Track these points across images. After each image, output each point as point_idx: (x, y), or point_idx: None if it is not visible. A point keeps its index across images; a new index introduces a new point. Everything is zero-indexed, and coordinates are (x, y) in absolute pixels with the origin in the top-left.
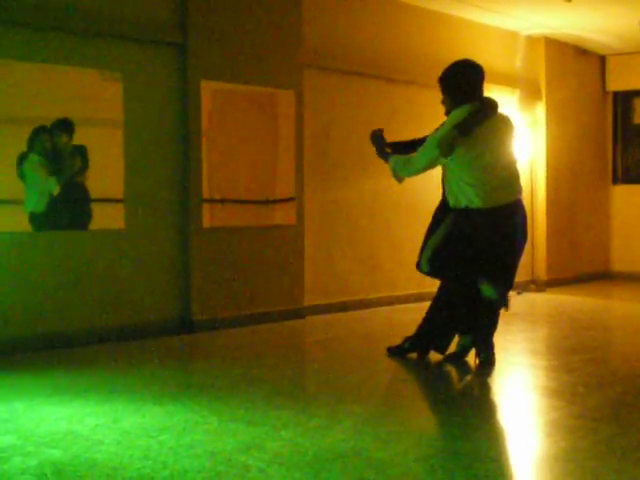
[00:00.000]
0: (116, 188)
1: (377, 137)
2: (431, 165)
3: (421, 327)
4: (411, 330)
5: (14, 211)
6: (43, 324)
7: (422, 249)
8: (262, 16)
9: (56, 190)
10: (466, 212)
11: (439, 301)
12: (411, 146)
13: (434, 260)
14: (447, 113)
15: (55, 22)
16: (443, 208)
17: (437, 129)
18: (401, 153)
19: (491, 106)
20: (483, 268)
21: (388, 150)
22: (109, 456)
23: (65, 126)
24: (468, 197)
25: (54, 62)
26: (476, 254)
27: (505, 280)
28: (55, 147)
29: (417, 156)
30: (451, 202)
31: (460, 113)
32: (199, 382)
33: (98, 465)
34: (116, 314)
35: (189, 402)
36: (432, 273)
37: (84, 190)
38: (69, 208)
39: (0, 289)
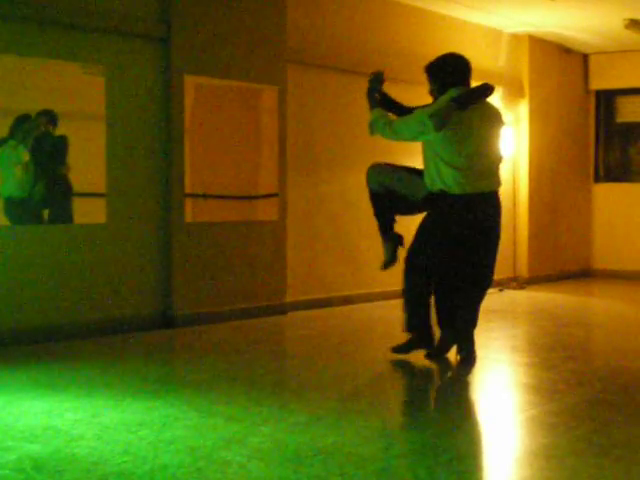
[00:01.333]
0: (98, 182)
1: (375, 78)
2: (419, 136)
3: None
4: (393, 327)
5: None
6: (23, 318)
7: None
8: (246, 11)
9: (34, 180)
10: (442, 196)
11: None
12: (405, 112)
13: (412, 256)
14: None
15: (37, 15)
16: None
17: (427, 105)
18: (390, 111)
19: (487, 88)
20: (460, 263)
21: (378, 97)
22: (89, 451)
23: (49, 116)
24: (445, 181)
25: (36, 55)
26: (451, 244)
27: (483, 280)
28: (37, 136)
29: (406, 123)
30: (427, 184)
31: (455, 91)
32: (180, 377)
33: (78, 460)
34: (97, 309)
35: (169, 397)
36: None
37: (66, 183)
38: (50, 201)
39: None
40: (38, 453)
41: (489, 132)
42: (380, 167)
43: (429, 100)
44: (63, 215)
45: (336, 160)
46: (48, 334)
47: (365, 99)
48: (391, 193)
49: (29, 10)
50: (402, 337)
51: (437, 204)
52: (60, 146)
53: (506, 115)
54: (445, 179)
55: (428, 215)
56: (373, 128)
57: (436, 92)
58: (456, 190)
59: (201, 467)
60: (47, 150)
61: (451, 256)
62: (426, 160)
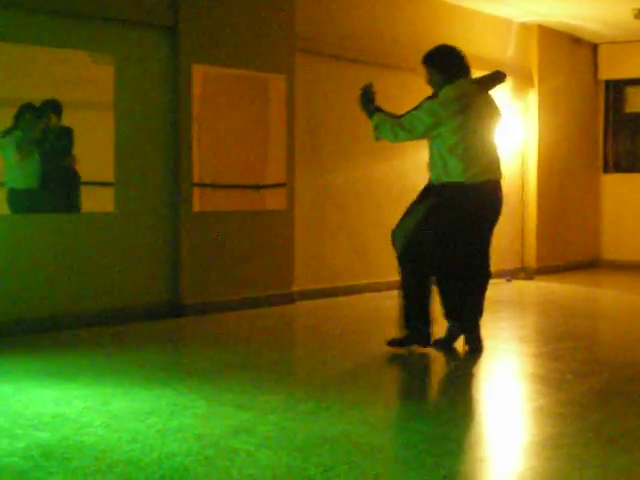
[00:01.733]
0: (106, 171)
1: (367, 91)
2: (433, 128)
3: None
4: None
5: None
6: (31, 307)
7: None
8: (255, 0)
9: (39, 169)
10: (448, 187)
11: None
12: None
13: (409, 245)
14: (436, 93)
15: (45, 3)
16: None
17: (427, 100)
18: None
19: (502, 75)
20: (464, 253)
21: (373, 106)
22: (97, 439)
23: (53, 106)
24: (452, 173)
25: (44, 44)
26: (456, 234)
27: (487, 267)
28: (41, 126)
29: (417, 117)
30: (433, 178)
31: (460, 84)
32: (188, 366)
33: (86, 447)
34: (106, 297)
35: (178, 386)
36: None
37: (72, 173)
38: (56, 191)
39: None
40: (46, 441)
41: (493, 122)
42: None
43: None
44: (71, 205)
45: (344, 150)
46: (56, 322)
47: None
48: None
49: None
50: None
51: (443, 195)
52: (65, 137)
53: (515, 105)
54: (452, 171)
55: (432, 207)
56: (379, 133)
57: (439, 82)
58: (464, 180)
59: (209, 455)
60: (52, 140)
61: (456, 246)
62: (433, 154)
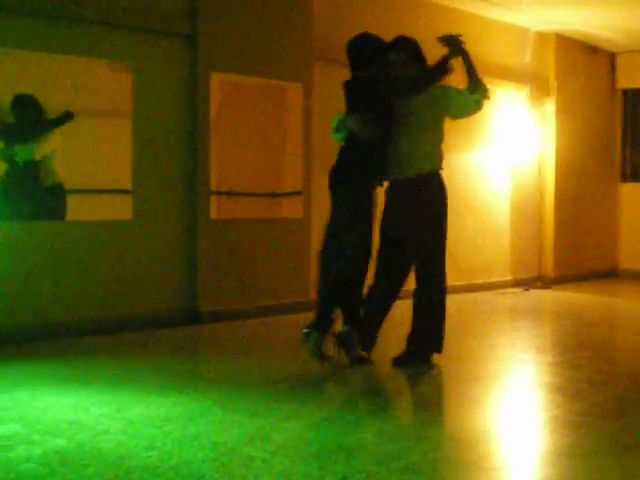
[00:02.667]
0: (124, 179)
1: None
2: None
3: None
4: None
5: None
6: (49, 313)
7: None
8: (272, 8)
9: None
10: (430, 177)
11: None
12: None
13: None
14: (418, 81)
15: (65, 12)
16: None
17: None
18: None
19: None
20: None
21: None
22: (114, 445)
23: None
24: (434, 160)
25: (63, 52)
26: (439, 226)
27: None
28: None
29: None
30: (427, 167)
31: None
32: (204, 373)
33: (103, 454)
34: (123, 305)
35: (194, 393)
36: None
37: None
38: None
39: (8, 278)
40: (63, 447)
41: None
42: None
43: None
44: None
45: None
46: (73, 329)
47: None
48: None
49: (56, 7)
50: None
51: (424, 186)
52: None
53: (532, 114)
54: (434, 158)
55: (416, 201)
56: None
57: (416, 70)
58: (440, 168)
59: (225, 462)
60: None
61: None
62: (432, 142)
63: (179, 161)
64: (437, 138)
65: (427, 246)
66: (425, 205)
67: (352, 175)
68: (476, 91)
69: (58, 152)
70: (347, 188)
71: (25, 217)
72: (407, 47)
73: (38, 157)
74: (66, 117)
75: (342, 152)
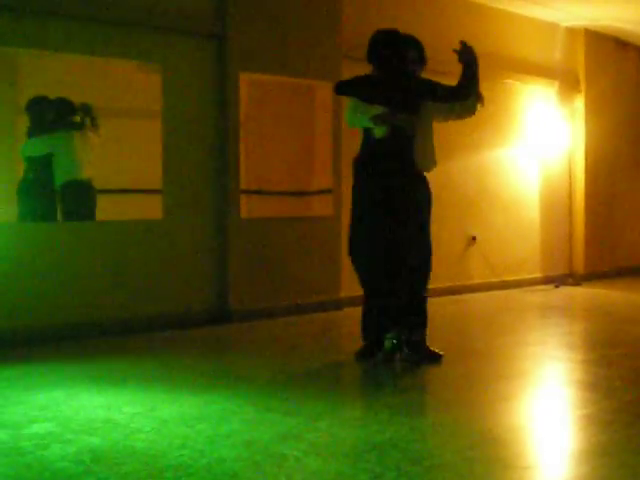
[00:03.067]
0: (155, 179)
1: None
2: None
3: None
4: (450, 321)
5: None
6: (82, 313)
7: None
8: (301, 8)
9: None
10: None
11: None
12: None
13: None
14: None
15: (94, 13)
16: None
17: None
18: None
19: None
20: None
21: None
22: (147, 444)
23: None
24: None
25: (93, 53)
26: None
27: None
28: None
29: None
30: (429, 167)
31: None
32: (236, 372)
33: (136, 453)
34: (154, 304)
35: (226, 392)
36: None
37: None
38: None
39: (42, 278)
40: (97, 446)
41: None
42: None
43: (483, 94)
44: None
45: None
46: (106, 329)
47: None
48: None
49: (86, 8)
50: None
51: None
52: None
53: (562, 110)
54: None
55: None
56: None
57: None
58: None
59: (258, 461)
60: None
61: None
62: (431, 142)
63: (209, 160)
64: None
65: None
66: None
67: (409, 165)
68: (470, 98)
69: (80, 150)
70: (407, 179)
71: (40, 217)
72: (418, 47)
73: (35, 153)
74: (73, 125)
75: (381, 143)
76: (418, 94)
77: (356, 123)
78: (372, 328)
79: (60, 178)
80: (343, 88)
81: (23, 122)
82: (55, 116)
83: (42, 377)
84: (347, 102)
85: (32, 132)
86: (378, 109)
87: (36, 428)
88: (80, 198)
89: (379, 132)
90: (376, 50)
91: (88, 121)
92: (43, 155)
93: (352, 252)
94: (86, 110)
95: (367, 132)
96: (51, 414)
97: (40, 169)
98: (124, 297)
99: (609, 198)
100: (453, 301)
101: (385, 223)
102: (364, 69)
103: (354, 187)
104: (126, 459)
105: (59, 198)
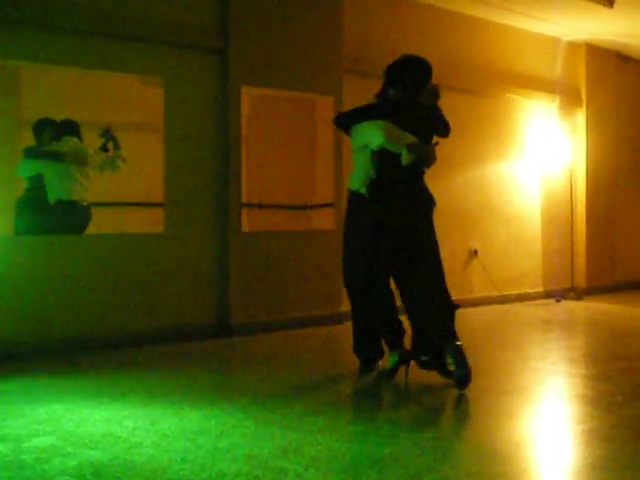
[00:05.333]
0: (156, 192)
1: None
2: None
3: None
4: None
5: None
6: (82, 326)
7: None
8: (303, 23)
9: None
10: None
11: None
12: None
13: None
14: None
15: (97, 27)
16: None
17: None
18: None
19: None
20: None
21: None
22: (148, 458)
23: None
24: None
25: (95, 67)
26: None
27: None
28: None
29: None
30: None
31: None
32: (236, 386)
33: (137, 467)
34: (154, 317)
35: (226, 406)
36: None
37: None
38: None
39: (43, 291)
40: (98, 460)
41: None
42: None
43: (485, 109)
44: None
45: None
46: (107, 342)
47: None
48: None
49: (88, 23)
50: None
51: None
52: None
53: (563, 124)
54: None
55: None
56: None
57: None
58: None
59: (258, 475)
60: None
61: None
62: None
63: (210, 174)
64: None
65: None
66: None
67: (425, 193)
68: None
69: (76, 171)
70: (430, 207)
71: (37, 232)
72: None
73: (26, 174)
74: (56, 156)
75: (401, 170)
76: (435, 128)
77: (390, 146)
78: (360, 348)
79: (52, 197)
80: (368, 113)
81: (26, 136)
82: (55, 137)
83: (42, 391)
84: (375, 122)
85: (26, 153)
86: (411, 137)
87: (37, 442)
88: (69, 218)
89: (406, 159)
90: (413, 72)
91: (111, 146)
92: (35, 175)
93: (353, 284)
94: (107, 135)
95: (388, 157)
96: (51, 428)
97: (37, 187)
98: (125, 310)
99: (610, 212)
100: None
101: (397, 250)
102: (365, 84)
103: (361, 214)
104: (126, 473)
105: (52, 215)
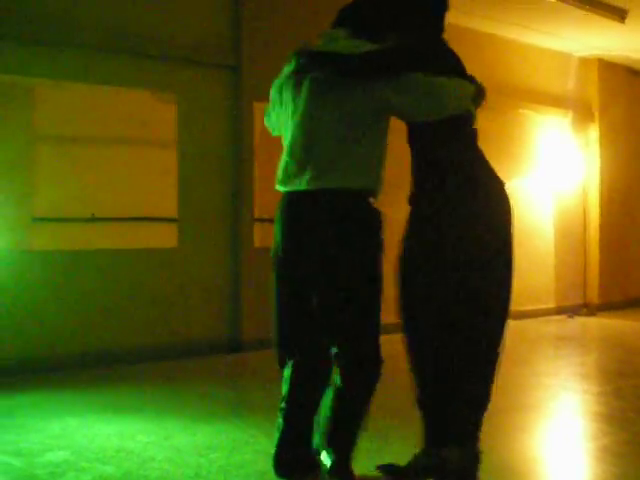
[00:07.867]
0: (170, 207)
1: None
2: None
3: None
4: None
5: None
6: (95, 341)
7: None
8: (313, 38)
9: None
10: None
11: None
12: None
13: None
14: None
15: (110, 44)
16: None
17: None
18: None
19: None
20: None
21: None
22: (161, 473)
23: None
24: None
25: (109, 83)
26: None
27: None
28: None
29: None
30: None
31: None
32: (249, 401)
33: None
34: (167, 332)
35: (239, 421)
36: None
37: None
38: None
39: (51, 307)
40: (111, 474)
41: None
42: None
43: (497, 124)
44: None
45: (401, 181)
46: (119, 357)
47: None
48: None
49: (101, 39)
50: None
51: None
52: None
53: (576, 139)
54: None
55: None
56: None
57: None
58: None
59: None
60: None
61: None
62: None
63: (223, 189)
64: None
65: None
66: None
67: None
68: None
69: None
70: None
71: None
72: None
73: None
74: None
75: None
76: None
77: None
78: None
79: None
80: None
81: (40, 151)
82: None
83: (56, 405)
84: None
85: None
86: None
87: (51, 456)
88: None
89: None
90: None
91: None
92: None
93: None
94: None
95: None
96: (65, 442)
97: None
98: (137, 325)
99: (624, 228)
100: None
101: None
102: None
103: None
104: None
105: None
